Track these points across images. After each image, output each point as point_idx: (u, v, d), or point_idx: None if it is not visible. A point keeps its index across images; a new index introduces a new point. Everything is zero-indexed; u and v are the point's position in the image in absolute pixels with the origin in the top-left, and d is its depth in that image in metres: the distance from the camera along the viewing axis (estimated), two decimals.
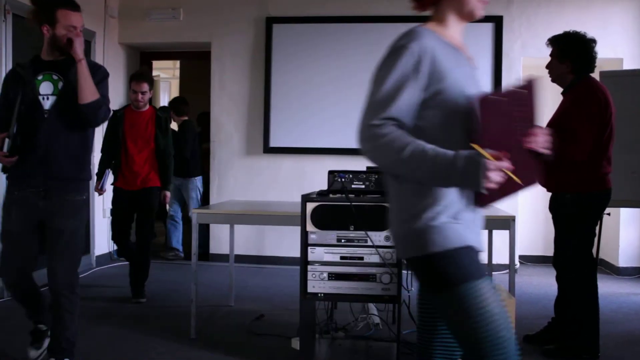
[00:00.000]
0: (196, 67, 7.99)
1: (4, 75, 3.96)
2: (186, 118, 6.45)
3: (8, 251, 2.92)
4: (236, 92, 6.31)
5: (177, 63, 9.80)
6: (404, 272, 3.15)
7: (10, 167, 2.87)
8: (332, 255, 3.08)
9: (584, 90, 3.30)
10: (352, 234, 3.07)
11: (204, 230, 6.34)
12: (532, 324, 3.88)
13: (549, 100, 3.87)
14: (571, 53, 3.34)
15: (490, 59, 5.86)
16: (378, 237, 3.04)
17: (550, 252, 3.75)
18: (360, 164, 3.62)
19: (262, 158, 6.24)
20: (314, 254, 3.09)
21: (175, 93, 10.07)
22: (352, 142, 6.30)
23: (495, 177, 1.45)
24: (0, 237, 2.95)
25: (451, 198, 1.61)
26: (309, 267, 3.09)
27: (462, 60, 1.71)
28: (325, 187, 3.30)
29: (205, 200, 6.51)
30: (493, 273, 5.24)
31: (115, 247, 5.31)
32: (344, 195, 3.10)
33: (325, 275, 3.09)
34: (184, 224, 6.60)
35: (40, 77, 2.87)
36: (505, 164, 1.46)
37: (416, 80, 1.58)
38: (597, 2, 5.89)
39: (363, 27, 6.00)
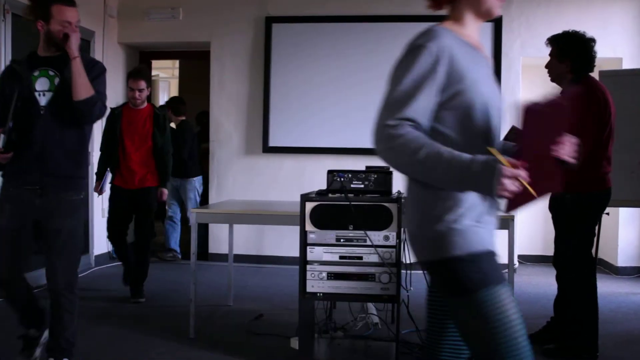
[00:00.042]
0: (195, 66, 7.99)
1: None
2: (184, 118, 6.44)
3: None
4: (235, 91, 6.31)
5: (177, 63, 9.79)
6: (403, 271, 3.15)
7: (6, 164, 2.83)
8: (331, 254, 3.08)
9: (583, 90, 3.30)
10: (351, 233, 3.07)
11: (203, 230, 6.34)
12: (531, 324, 3.86)
13: None
14: (571, 52, 3.34)
15: (490, 58, 5.85)
16: (377, 236, 3.04)
17: (549, 251, 3.75)
18: (359, 163, 3.63)
19: (262, 158, 6.24)
20: (313, 253, 3.09)
21: (174, 93, 10.07)
22: (352, 142, 6.34)
23: (509, 184, 1.41)
24: None
25: (473, 200, 1.58)
26: (308, 267, 3.09)
27: (480, 60, 1.68)
28: (324, 186, 3.30)
29: (204, 200, 6.50)
30: None
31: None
32: (343, 194, 3.10)
33: (324, 274, 3.08)
34: (182, 225, 6.58)
35: (36, 73, 2.85)
36: (522, 173, 1.42)
37: (434, 80, 1.54)
38: (596, 2, 5.89)
39: (363, 27, 6.00)
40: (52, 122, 2.81)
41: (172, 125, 6.27)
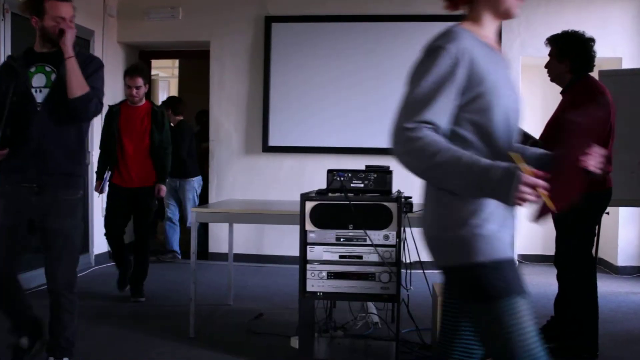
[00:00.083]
0: (195, 66, 7.99)
1: None
2: (182, 118, 6.42)
3: None
4: (235, 91, 6.31)
5: (176, 62, 9.79)
6: (403, 271, 3.15)
7: (2, 161, 2.80)
8: (331, 254, 3.08)
9: (583, 90, 3.30)
10: (351, 232, 3.07)
11: (203, 229, 6.34)
12: None
13: (549, 100, 3.87)
14: (570, 52, 3.34)
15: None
16: (377, 236, 3.04)
17: (549, 251, 3.76)
18: (359, 163, 3.62)
19: (261, 157, 6.24)
20: (313, 252, 3.09)
21: (174, 92, 10.06)
22: (352, 141, 6.33)
23: (527, 191, 1.39)
24: None
25: (495, 204, 1.55)
26: (308, 266, 3.09)
27: (499, 62, 1.65)
28: (324, 186, 3.30)
29: (204, 200, 6.49)
30: None
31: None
32: (343, 194, 3.10)
33: (324, 274, 3.09)
34: (181, 226, 6.57)
35: (32, 69, 2.82)
36: (542, 183, 1.40)
37: (453, 83, 1.52)
38: (596, 2, 5.89)
39: (363, 26, 5.99)
40: (49, 119, 2.78)
41: (171, 124, 6.25)
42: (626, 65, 5.78)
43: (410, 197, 3.42)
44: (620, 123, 3.52)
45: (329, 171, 3.27)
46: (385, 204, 3.05)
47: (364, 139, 5.91)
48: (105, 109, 4.54)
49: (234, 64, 6.30)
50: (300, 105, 6.09)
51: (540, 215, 1.53)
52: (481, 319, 1.58)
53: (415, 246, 3.29)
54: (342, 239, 3.08)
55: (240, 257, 5.96)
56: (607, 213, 3.59)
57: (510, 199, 1.40)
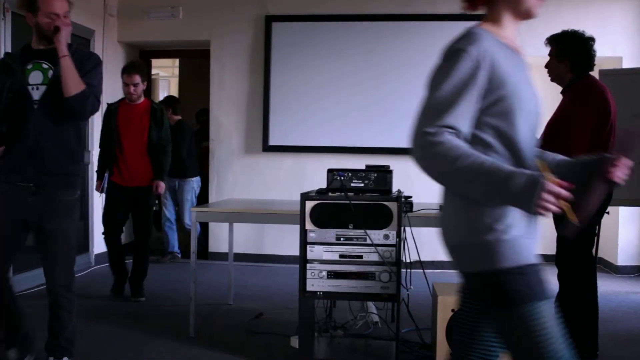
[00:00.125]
0: (195, 65, 7.98)
1: None
2: (180, 117, 6.42)
3: None
4: (235, 90, 6.31)
5: (177, 61, 9.79)
6: (403, 270, 3.15)
7: None
8: (331, 253, 3.08)
9: (583, 89, 3.30)
10: (351, 232, 3.07)
11: (203, 228, 6.34)
12: None
13: (549, 100, 3.86)
14: (570, 52, 3.34)
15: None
16: (377, 235, 3.04)
17: (550, 250, 3.75)
18: (359, 162, 3.62)
19: (262, 157, 6.24)
20: (313, 252, 3.09)
21: (174, 91, 10.06)
22: (352, 141, 6.32)
23: (550, 200, 1.36)
24: None
25: (519, 210, 1.51)
26: (308, 266, 3.09)
27: (520, 64, 1.63)
28: (324, 185, 3.30)
29: (204, 200, 6.49)
30: None
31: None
32: (343, 193, 3.10)
33: (324, 273, 3.09)
34: (177, 225, 6.54)
35: (29, 66, 2.79)
36: (565, 193, 1.37)
37: (475, 86, 1.49)
38: (596, 1, 5.89)
39: (363, 26, 5.99)
40: (46, 117, 2.75)
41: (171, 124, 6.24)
42: (626, 64, 5.78)
43: (410, 197, 3.42)
44: (620, 123, 3.52)
45: (329, 171, 3.27)
46: (386, 203, 3.05)
47: (364, 138, 5.92)
48: (103, 107, 4.54)
49: (234, 64, 6.30)
50: (301, 105, 6.09)
51: (566, 227, 1.50)
52: (505, 325, 1.56)
53: (415, 246, 3.30)
54: (342, 239, 3.08)
55: (240, 257, 5.96)
56: (607, 212, 3.59)
57: (533, 207, 1.38)
